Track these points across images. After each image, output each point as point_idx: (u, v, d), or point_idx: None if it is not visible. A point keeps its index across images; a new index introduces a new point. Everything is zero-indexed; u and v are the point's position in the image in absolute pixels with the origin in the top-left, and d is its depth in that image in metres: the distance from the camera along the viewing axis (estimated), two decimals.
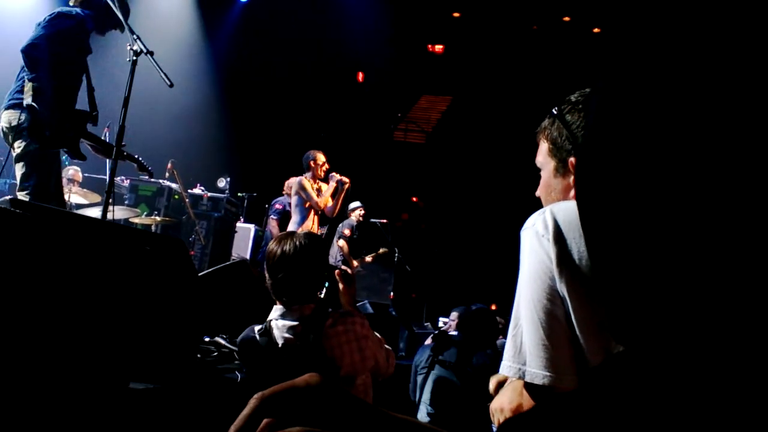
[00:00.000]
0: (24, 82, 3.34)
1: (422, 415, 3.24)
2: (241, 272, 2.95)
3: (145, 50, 3.36)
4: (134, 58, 3.36)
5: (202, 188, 6.70)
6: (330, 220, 5.56)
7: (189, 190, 6.35)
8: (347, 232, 6.66)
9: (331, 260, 6.17)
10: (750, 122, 0.29)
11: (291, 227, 5.33)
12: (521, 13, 9.19)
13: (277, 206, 5.68)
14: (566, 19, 9.10)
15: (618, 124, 0.33)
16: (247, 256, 6.36)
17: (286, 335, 1.87)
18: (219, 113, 9.01)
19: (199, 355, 2.40)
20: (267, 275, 1.97)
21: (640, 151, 0.31)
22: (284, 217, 5.66)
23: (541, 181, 1.19)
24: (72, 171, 5.52)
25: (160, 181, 6.08)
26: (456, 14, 9.63)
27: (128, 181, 6.08)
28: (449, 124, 10.48)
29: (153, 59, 3.39)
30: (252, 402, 0.37)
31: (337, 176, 5.33)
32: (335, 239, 6.62)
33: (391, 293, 7.94)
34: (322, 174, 5.33)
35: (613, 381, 0.37)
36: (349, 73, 10.26)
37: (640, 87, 0.32)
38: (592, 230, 0.36)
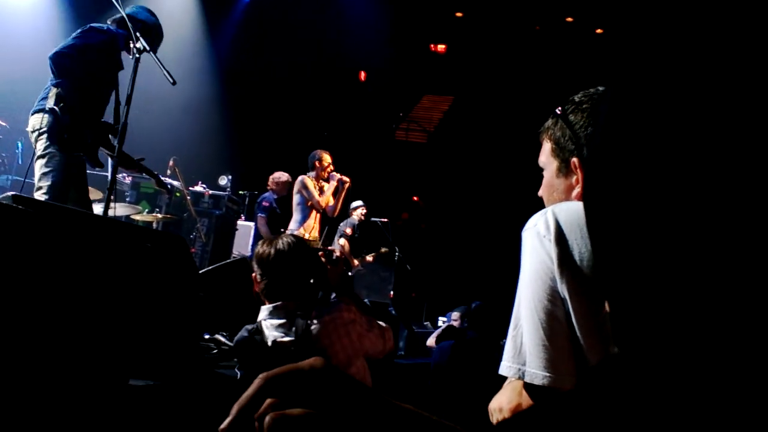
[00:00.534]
0: (50, 88, 3.48)
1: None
2: (241, 270, 2.96)
3: (147, 48, 3.36)
4: (137, 56, 3.37)
5: (204, 186, 6.70)
6: (331, 219, 5.56)
7: (190, 188, 6.35)
8: (349, 231, 6.66)
9: None
10: (756, 125, 0.29)
11: (292, 226, 5.33)
12: (524, 14, 9.18)
13: (264, 204, 5.67)
14: (569, 19, 9.09)
15: (627, 129, 0.33)
16: (248, 254, 6.36)
17: (276, 333, 1.90)
18: (221, 111, 9.02)
19: (199, 353, 2.41)
20: (259, 278, 1.99)
21: (649, 156, 0.32)
22: (272, 214, 5.65)
23: (544, 181, 1.19)
24: None
25: (162, 178, 6.08)
26: (458, 14, 9.62)
27: (130, 178, 6.08)
28: (451, 124, 10.48)
29: (156, 57, 3.39)
30: (257, 381, 0.38)
31: (338, 175, 5.33)
32: (336, 238, 6.62)
33: (391, 292, 7.95)
34: (326, 175, 5.33)
35: (613, 381, 0.37)
36: (351, 72, 10.26)
37: (649, 92, 0.32)
38: (598, 232, 0.36)
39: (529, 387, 0.98)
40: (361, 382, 0.40)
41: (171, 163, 5.89)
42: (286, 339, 1.88)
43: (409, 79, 10.21)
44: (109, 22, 3.77)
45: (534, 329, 0.96)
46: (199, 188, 6.57)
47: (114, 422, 1.58)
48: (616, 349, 0.44)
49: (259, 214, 5.61)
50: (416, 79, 10.33)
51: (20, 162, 6.11)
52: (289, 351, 1.86)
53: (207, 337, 2.60)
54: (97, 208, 4.81)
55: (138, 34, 3.38)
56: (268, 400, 0.38)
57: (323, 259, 2.10)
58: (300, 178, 5.34)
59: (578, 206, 0.99)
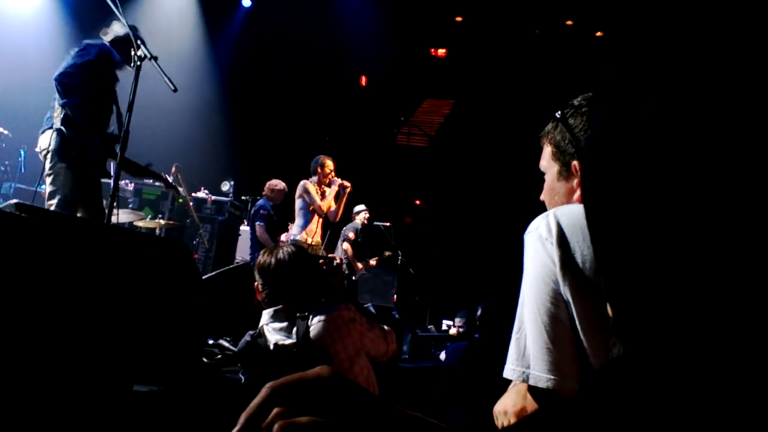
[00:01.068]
0: (55, 107, 3.60)
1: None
2: (244, 275, 2.96)
3: (149, 55, 3.38)
4: (138, 63, 3.38)
5: (206, 192, 6.71)
6: (333, 223, 5.56)
7: (193, 194, 6.36)
8: (351, 235, 6.66)
9: None
10: (753, 124, 0.29)
11: (294, 231, 5.33)
12: (524, 17, 9.19)
13: (262, 212, 5.67)
14: (569, 23, 9.10)
15: (624, 128, 0.34)
16: (250, 260, 6.37)
17: (277, 336, 1.91)
18: (223, 117, 9.04)
19: (203, 358, 2.41)
20: (260, 287, 2.01)
21: (646, 155, 0.32)
22: (270, 221, 5.66)
23: (545, 185, 1.19)
24: None
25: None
26: (458, 18, 9.64)
27: (132, 184, 6.10)
28: (452, 128, 10.48)
29: (157, 64, 3.40)
30: (264, 391, 0.39)
31: (339, 180, 5.34)
32: (339, 242, 6.62)
33: (395, 296, 7.94)
34: (328, 180, 5.35)
35: (617, 384, 0.37)
36: (352, 77, 10.28)
37: (645, 91, 0.32)
38: (599, 233, 0.36)
39: (533, 390, 0.98)
40: (367, 390, 0.40)
41: (173, 169, 5.91)
42: (288, 342, 1.90)
43: (409, 84, 10.22)
44: (103, 37, 3.88)
45: (537, 332, 0.96)
46: (201, 194, 6.58)
47: (119, 428, 1.58)
48: (620, 351, 0.44)
49: (258, 222, 5.61)
50: (417, 84, 10.35)
51: (23, 170, 6.13)
52: (290, 353, 1.87)
53: (211, 342, 2.60)
54: None
55: (139, 42, 3.40)
56: (276, 409, 0.38)
57: (324, 267, 2.12)
58: (302, 182, 5.35)
59: (580, 209, 0.99)
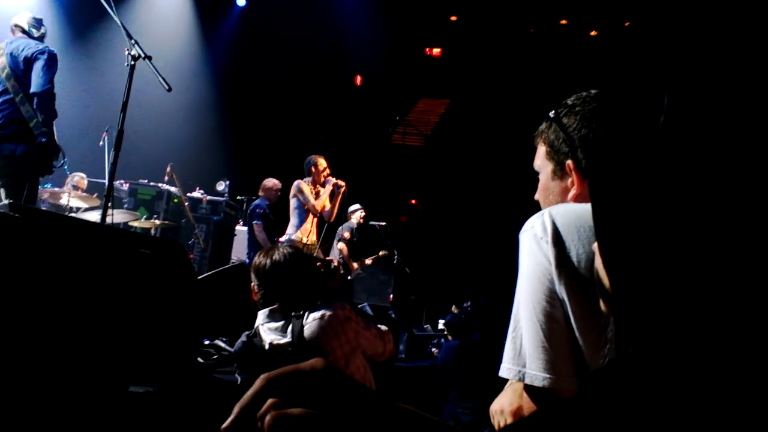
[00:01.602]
0: (26, 115, 3.80)
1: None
2: (240, 275, 2.95)
3: (143, 55, 3.36)
4: (132, 62, 3.36)
5: (202, 191, 6.69)
6: (328, 223, 5.56)
7: (188, 194, 6.34)
8: (347, 234, 6.65)
9: None
10: (759, 128, 0.29)
11: (289, 230, 5.33)
12: (518, 17, 9.21)
13: (258, 211, 5.68)
14: (563, 22, 9.12)
15: (631, 130, 0.34)
16: (245, 260, 6.36)
17: (273, 336, 1.92)
18: (217, 116, 9.02)
19: (198, 358, 2.40)
20: (256, 288, 2.02)
21: (654, 157, 0.32)
22: (266, 220, 5.66)
23: (540, 185, 1.20)
24: (77, 178, 5.52)
25: (159, 184, 6.08)
26: (453, 18, 9.65)
27: (127, 184, 6.08)
28: (447, 127, 10.49)
29: (151, 63, 3.39)
30: (258, 382, 0.39)
31: (333, 180, 5.35)
32: (335, 242, 6.62)
33: (391, 295, 7.95)
34: (322, 179, 5.35)
35: (614, 383, 0.37)
36: (347, 76, 10.27)
37: (653, 94, 0.33)
38: (607, 234, 0.36)
39: (529, 389, 0.98)
40: (361, 382, 0.40)
41: (168, 169, 5.89)
42: (283, 341, 1.90)
43: (405, 83, 10.22)
44: (37, 35, 4.10)
45: (533, 331, 0.97)
46: (196, 194, 6.56)
47: (114, 429, 1.58)
48: (614, 350, 0.44)
49: (255, 222, 5.61)
50: (412, 83, 10.35)
51: None
52: (285, 352, 1.88)
53: (207, 342, 2.60)
54: (95, 215, 4.80)
55: (133, 40, 3.39)
56: (270, 400, 0.38)
57: (322, 270, 2.13)
58: (296, 182, 5.35)
59: (575, 208, 1.00)
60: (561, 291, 0.94)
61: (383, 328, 2.14)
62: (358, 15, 9.08)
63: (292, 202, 5.36)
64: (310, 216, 5.34)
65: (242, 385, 1.97)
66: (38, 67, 3.83)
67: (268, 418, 0.36)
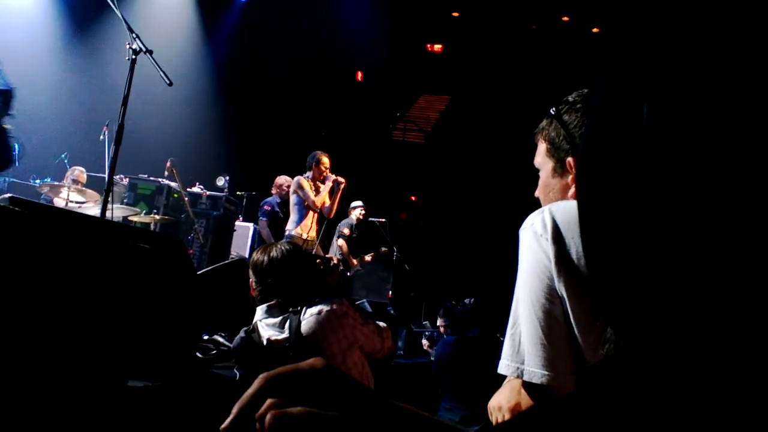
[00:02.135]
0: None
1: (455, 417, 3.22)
2: (239, 271, 2.95)
3: (144, 49, 3.35)
4: (133, 56, 3.36)
5: (201, 187, 6.69)
6: (328, 219, 5.57)
7: (188, 189, 6.34)
8: (346, 231, 6.65)
9: None
10: (750, 121, 0.29)
11: (289, 226, 5.34)
12: (520, 13, 9.19)
13: (266, 207, 5.70)
14: (565, 18, 9.11)
15: (618, 124, 0.33)
16: (246, 255, 6.36)
17: (271, 332, 1.92)
18: (218, 112, 9.01)
19: (197, 353, 2.41)
20: (254, 284, 2.02)
21: (640, 152, 0.32)
22: (273, 217, 5.67)
23: (540, 182, 1.19)
24: (77, 171, 5.51)
25: (159, 179, 6.07)
26: (455, 14, 9.63)
27: (127, 179, 6.07)
28: (448, 124, 10.48)
29: (152, 58, 3.38)
30: (257, 382, 0.39)
31: (333, 176, 5.35)
32: (335, 238, 6.62)
33: (390, 292, 7.95)
34: (323, 177, 5.36)
35: (612, 380, 0.37)
36: (348, 72, 10.25)
37: (640, 88, 0.32)
38: (590, 230, 0.36)
39: (528, 385, 0.98)
40: (360, 382, 0.40)
41: (168, 164, 5.88)
42: (280, 337, 1.91)
43: (405, 79, 10.21)
44: None
45: (532, 328, 0.97)
46: (196, 189, 6.55)
47: (113, 423, 1.58)
48: (612, 347, 0.44)
49: (261, 218, 5.63)
50: (413, 79, 10.34)
51: (17, 164, 6.09)
52: (283, 348, 1.88)
53: (206, 338, 2.60)
54: (95, 210, 4.81)
55: (135, 34, 3.38)
56: (269, 400, 0.38)
57: (321, 267, 2.12)
58: (296, 178, 5.36)
59: (574, 205, 0.99)
60: (560, 288, 0.94)
61: (382, 324, 2.14)
62: (359, 11, 9.07)
63: (292, 198, 5.37)
64: (310, 212, 5.34)
65: (241, 381, 1.97)
66: None
67: (268, 417, 0.36)
